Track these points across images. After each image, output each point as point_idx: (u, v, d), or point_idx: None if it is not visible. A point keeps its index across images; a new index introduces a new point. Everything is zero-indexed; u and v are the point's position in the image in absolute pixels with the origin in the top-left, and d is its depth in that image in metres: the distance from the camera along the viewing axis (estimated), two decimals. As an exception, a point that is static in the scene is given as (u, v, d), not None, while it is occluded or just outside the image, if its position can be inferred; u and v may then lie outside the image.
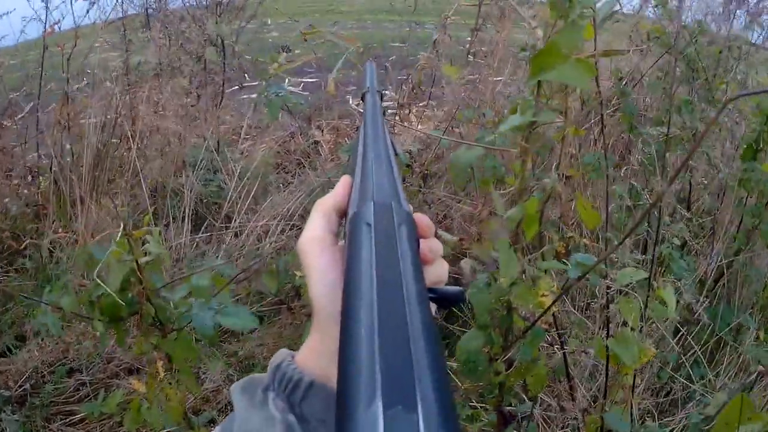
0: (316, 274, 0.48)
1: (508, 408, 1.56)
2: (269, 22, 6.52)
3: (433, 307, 0.48)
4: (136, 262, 1.39)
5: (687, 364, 2.57)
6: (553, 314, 1.59)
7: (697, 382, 2.49)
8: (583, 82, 0.73)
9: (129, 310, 1.45)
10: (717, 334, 2.65)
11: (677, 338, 2.61)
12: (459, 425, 0.27)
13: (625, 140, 2.71)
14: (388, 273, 0.36)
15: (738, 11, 3.30)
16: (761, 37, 3.70)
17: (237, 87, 3.81)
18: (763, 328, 2.66)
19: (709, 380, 2.53)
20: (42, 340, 2.26)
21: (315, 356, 0.47)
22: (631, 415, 1.91)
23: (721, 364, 2.62)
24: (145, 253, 1.40)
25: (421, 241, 0.48)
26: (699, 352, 2.58)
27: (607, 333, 1.65)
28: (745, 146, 2.36)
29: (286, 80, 4.54)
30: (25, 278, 2.35)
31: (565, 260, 1.35)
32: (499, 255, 1.12)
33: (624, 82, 2.80)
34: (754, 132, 2.28)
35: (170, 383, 1.62)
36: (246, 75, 5.09)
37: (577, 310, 2.14)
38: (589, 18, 0.78)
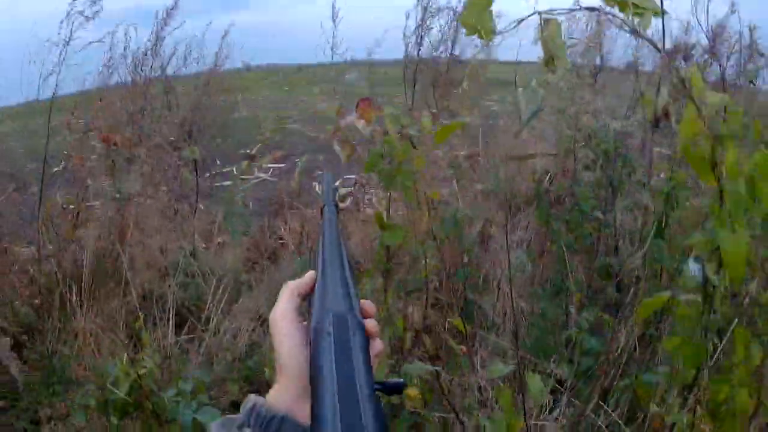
0: (285, 338, 0.63)
1: None
2: (239, 98, 7.11)
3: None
4: (137, 374, 1.78)
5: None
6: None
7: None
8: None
9: (134, 407, 1.83)
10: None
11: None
12: None
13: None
14: (345, 372, 0.50)
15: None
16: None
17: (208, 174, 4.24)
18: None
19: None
20: (54, 424, 2.51)
21: (281, 396, 0.60)
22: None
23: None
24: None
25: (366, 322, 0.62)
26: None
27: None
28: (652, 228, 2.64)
29: (255, 169, 5.00)
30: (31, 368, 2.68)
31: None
32: None
33: (545, 180, 3.30)
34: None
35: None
36: (217, 161, 5.62)
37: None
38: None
